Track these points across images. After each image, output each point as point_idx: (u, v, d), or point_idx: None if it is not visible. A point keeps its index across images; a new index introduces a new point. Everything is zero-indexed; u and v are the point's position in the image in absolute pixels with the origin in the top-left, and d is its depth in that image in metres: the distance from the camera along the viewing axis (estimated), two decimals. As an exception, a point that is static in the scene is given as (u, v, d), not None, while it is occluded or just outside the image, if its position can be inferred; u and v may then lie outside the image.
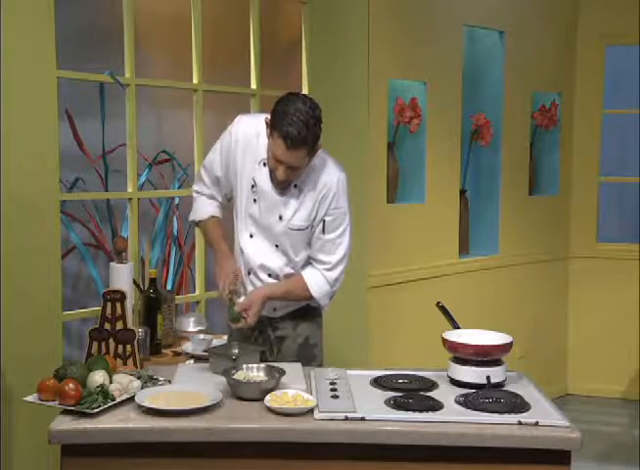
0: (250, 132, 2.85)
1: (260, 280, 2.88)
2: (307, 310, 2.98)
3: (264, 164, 2.81)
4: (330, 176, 2.82)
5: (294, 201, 2.81)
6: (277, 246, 2.86)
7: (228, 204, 3.02)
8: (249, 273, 2.90)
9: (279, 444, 2.20)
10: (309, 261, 2.91)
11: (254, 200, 2.84)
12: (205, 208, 2.99)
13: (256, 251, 2.87)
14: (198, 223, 3.04)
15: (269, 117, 2.71)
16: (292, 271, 2.89)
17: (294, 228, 2.82)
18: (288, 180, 2.75)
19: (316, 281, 2.88)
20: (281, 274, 2.88)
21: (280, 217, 2.82)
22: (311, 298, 2.89)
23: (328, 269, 2.88)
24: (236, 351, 2.69)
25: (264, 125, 2.75)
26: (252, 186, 2.84)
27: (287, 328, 2.95)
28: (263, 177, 2.82)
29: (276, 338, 2.95)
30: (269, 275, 2.88)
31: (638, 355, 5.55)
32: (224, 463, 2.22)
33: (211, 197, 3.00)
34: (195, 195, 3.03)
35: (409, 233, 4.63)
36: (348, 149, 4.20)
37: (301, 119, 2.62)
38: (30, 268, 3.15)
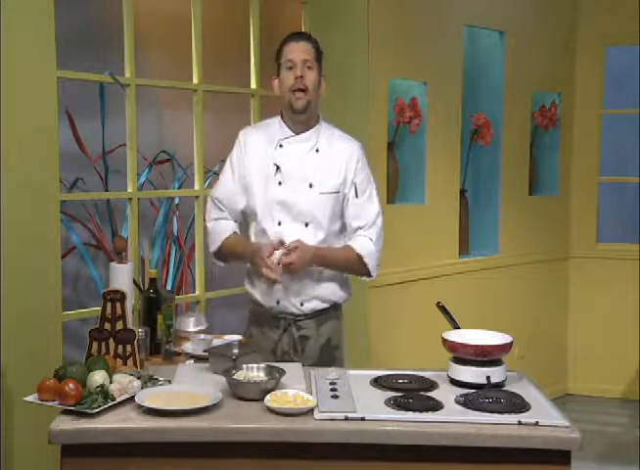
0: (255, 132, 2.99)
1: None
2: (330, 310, 2.98)
3: (280, 146, 2.90)
4: (350, 142, 2.96)
5: (321, 165, 2.88)
6: (307, 224, 2.87)
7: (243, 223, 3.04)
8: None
9: (279, 444, 2.20)
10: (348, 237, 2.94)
11: (279, 183, 2.88)
12: (223, 230, 2.97)
13: (286, 235, 2.85)
14: (220, 252, 2.99)
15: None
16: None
17: (325, 192, 2.86)
18: (304, 85, 2.82)
19: (360, 242, 2.92)
20: None
21: (310, 185, 2.86)
22: (361, 258, 2.88)
23: (367, 228, 2.91)
24: (236, 351, 2.69)
25: (267, 118, 3.00)
26: (277, 169, 2.89)
27: (310, 328, 2.95)
28: (284, 154, 2.89)
29: (300, 337, 2.94)
30: None
31: (638, 355, 5.55)
32: (224, 463, 2.22)
33: (227, 218, 2.99)
34: (211, 224, 3.00)
35: (409, 233, 4.63)
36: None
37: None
38: (30, 268, 3.14)
